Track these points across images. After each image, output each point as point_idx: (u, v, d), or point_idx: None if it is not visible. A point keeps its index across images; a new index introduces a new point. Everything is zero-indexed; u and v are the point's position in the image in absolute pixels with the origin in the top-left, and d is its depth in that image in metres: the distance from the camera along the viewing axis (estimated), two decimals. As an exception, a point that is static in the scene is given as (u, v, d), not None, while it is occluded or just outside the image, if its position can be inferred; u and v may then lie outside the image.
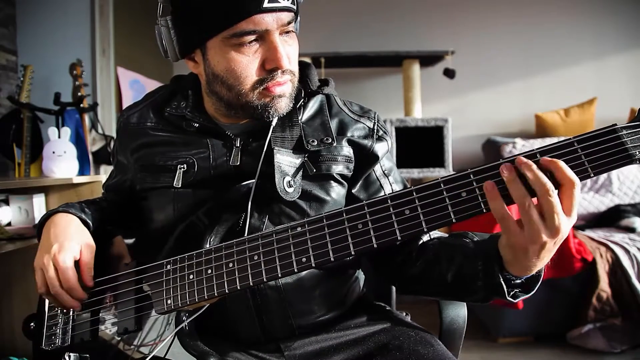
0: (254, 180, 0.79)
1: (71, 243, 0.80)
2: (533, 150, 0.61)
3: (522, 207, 0.58)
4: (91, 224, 0.88)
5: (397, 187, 0.91)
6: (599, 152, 0.58)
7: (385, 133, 0.91)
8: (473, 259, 0.72)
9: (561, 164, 0.58)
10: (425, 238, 0.86)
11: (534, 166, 0.58)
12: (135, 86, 2.67)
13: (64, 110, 2.10)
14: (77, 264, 0.80)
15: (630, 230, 2.47)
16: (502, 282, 0.67)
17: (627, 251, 2.20)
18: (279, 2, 0.74)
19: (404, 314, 0.98)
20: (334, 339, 0.85)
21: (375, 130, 0.90)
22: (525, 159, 0.59)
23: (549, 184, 0.57)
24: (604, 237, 2.37)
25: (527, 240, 0.60)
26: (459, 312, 0.94)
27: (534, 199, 0.59)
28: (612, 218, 2.65)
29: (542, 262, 0.63)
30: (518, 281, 0.68)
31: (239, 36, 0.75)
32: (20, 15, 2.27)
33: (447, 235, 0.86)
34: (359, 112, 0.92)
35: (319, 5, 3.13)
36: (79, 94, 2.11)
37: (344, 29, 3.28)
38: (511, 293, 0.69)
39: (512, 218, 0.60)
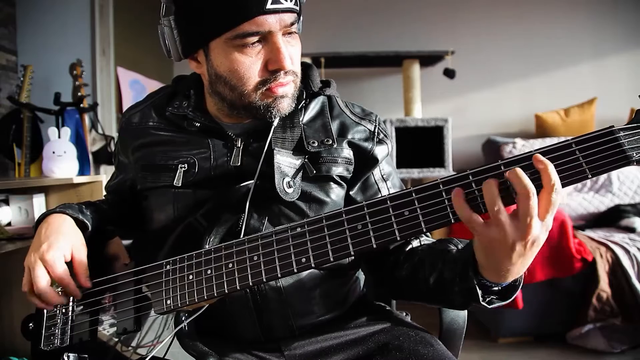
0: (253, 181, 0.79)
1: (60, 242, 0.80)
2: (531, 152, 0.61)
3: (491, 211, 0.59)
4: (89, 224, 0.88)
5: None
6: (596, 153, 0.59)
7: (386, 136, 0.91)
8: (452, 264, 0.72)
9: (549, 166, 0.58)
10: (415, 243, 0.86)
11: (519, 170, 0.58)
12: (135, 86, 2.67)
13: (64, 110, 2.10)
14: (70, 264, 0.80)
15: (630, 230, 2.47)
16: (476, 286, 0.67)
17: (627, 251, 2.20)
18: (282, 3, 0.74)
19: (404, 314, 0.98)
20: (334, 339, 0.85)
21: (376, 134, 0.90)
22: (513, 168, 0.59)
23: (530, 187, 0.57)
24: (604, 237, 2.37)
25: (496, 240, 0.60)
26: (459, 312, 0.94)
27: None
28: (612, 218, 2.65)
29: (517, 268, 0.63)
30: (495, 288, 0.68)
31: (242, 37, 0.75)
32: (20, 15, 2.27)
33: (434, 240, 0.86)
34: (360, 114, 0.92)
35: (319, 5, 3.13)
36: (79, 94, 2.11)
37: (344, 29, 3.28)
38: (487, 299, 0.69)
39: (477, 220, 0.60)
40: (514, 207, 0.60)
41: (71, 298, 0.82)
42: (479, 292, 0.67)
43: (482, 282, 0.67)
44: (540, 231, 0.59)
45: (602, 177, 2.84)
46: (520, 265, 0.62)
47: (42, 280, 0.77)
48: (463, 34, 3.25)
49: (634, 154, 0.58)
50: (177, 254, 0.76)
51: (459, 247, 0.77)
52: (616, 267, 2.15)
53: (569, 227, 2.12)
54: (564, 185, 0.59)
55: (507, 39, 3.27)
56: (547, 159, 0.59)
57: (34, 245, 0.81)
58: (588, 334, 2.14)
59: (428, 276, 0.77)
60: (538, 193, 0.58)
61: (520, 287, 0.68)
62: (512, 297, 0.69)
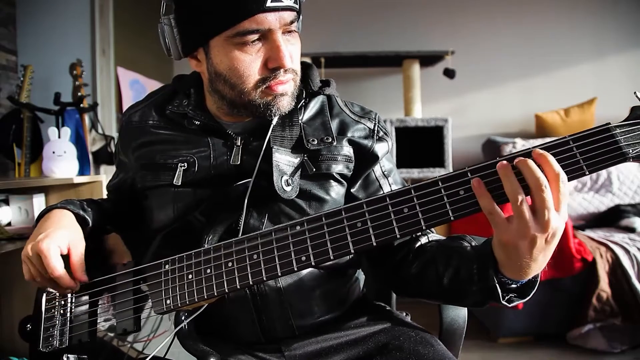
0: (251, 179, 0.79)
1: (57, 234, 0.79)
2: (529, 148, 0.61)
3: (515, 203, 0.59)
4: (89, 220, 0.88)
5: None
6: (593, 150, 0.59)
7: (385, 134, 0.91)
8: (468, 262, 0.72)
9: (550, 158, 0.58)
10: (423, 240, 0.86)
11: (530, 162, 0.59)
12: (135, 86, 2.67)
13: (64, 110, 2.10)
14: (66, 257, 0.80)
15: (630, 230, 2.47)
16: (497, 286, 0.67)
17: (627, 251, 2.20)
18: (282, 2, 0.74)
19: (404, 314, 0.97)
20: (334, 339, 0.85)
21: (376, 131, 0.90)
22: (522, 158, 0.60)
23: (543, 179, 0.58)
24: (604, 237, 2.37)
25: (517, 235, 0.60)
26: (459, 312, 0.94)
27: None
28: (612, 218, 2.65)
29: (537, 264, 0.63)
30: (514, 286, 0.68)
31: (242, 35, 0.75)
32: (20, 15, 2.27)
33: (444, 238, 0.86)
34: (359, 112, 0.92)
35: (319, 5, 3.13)
36: (79, 94, 2.11)
37: (344, 29, 3.28)
38: (506, 297, 0.69)
39: (500, 213, 0.61)
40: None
41: (69, 299, 0.82)
42: (499, 291, 0.67)
43: (502, 280, 0.67)
44: (558, 223, 0.60)
45: (602, 177, 2.84)
46: (541, 261, 0.63)
47: (41, 271, 0.78)
48: (463, 34, 3.25)
49: (630, 151, 0.59)
50: (176, 252, 0.76)
51: (473, 244, 0.76)
52: (616, 267, 2.15)
53: (569, 227, 2.12)
54: None
55: (507, 39, 3.26)
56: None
57: (32, 237, 0.82)
58: (588, 334, 2.14)
59: (442, 275, 0.76)
60: None
61: (538, 283, 0.68)
62: (531, 294, 0.69)
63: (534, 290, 0.69)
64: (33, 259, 0.78)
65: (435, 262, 0.79)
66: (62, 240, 0.79)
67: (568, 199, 0.60)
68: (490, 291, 0.68)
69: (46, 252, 0.76)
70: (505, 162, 0.60)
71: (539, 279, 0.68)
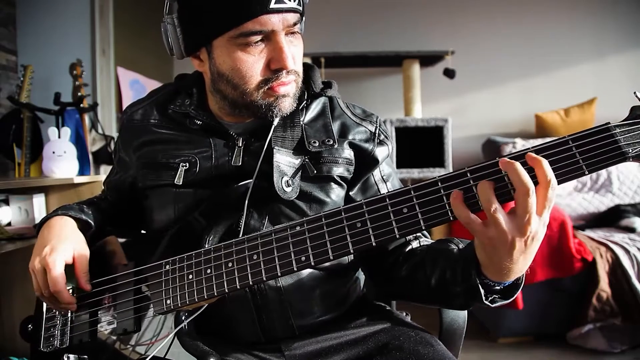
0: (252, 180, 0.79)
1: (63, 245, 0.80)
2: (529, 149, 0.61)
3: (488, 211, 0.59)
4: (92, 223, 0.89)
5: None
6: (592, 150, 0.59)
7: (386, 138, 0.91)
8: (454, 263, 0.73)
9: (543, 162, 0.58)
10: (414, 244, 0.87)
11: (518, 166, 0.58)
12: (135, 86, 2.67)
13: (64, 110, 2.10)
14: (71, 267, 0.80)
15: (630, 230, 2.47)
16: (479, 286, 0.67)
17: (627, 251, 2.20)
18: (285, 3, 0.74)
19: (404, 314, 0.98)
20: (334, 339, 0.85)
21: (377, 135, 0.90)
22: (507, 160, 0.59)
23: (530, 185, 0.57)
24: (604, 237, 2.37)
25: (495, 239, 0.60)
26: (458, 312, 0.94)
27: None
28: (612, 218, 2.65)
29: (519, 266, 0.63)
30: (497, 287, 0.68)
31: (245, 36, 0.75)
32: (20, 15, 2.27)
33: (434, 241, 0.87)
34: (361, 115, 0.92)
35: (319, 5, 3.13)
36: (79, 94, 2.11)
37: (344, 29, 3.28)
38: (489, 298, 0.69)
39: (476, 220, 0.61)
40: (511, 204, 0.60)
41: None
42: (482, 291, 0.67)
43: (485, 281, 0.67)
44: (538, 227, 0.59)
45: (602, 177, 2.84)
46: (522, 263, 0.63)
47: (47, 286, 0.78)
48: (463, 34, 3.25)
49: (630, 150, 0.58)
50: (176, 253, 0.76)
51: (460, 246, 0.77)
52: (616, 267, 2.15)
53: (569, 227, 2.12)
54: (560, 182, 0.59)
55: (507, 39, 3.27)
56: (545, 155, 0.59)
57: (37, 250, 0.82)
58: (588, 334, 2.14)
59: (430, 276, 0.77)
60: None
61: (522, 285, 0.69)
62: (514, 296, 0.69)
63: (518, 291, 0.69)
64: (39, 273, 0.79)
65: (423, 265, 0.79)
66: (68, 251, 0.80)
67: (552, 205, 0.60)
68: (472, 292, 0.68)
69: (52, 266, 0.77)
70: (484, 181, 0.60)
71: (522, 281, 0.68)
